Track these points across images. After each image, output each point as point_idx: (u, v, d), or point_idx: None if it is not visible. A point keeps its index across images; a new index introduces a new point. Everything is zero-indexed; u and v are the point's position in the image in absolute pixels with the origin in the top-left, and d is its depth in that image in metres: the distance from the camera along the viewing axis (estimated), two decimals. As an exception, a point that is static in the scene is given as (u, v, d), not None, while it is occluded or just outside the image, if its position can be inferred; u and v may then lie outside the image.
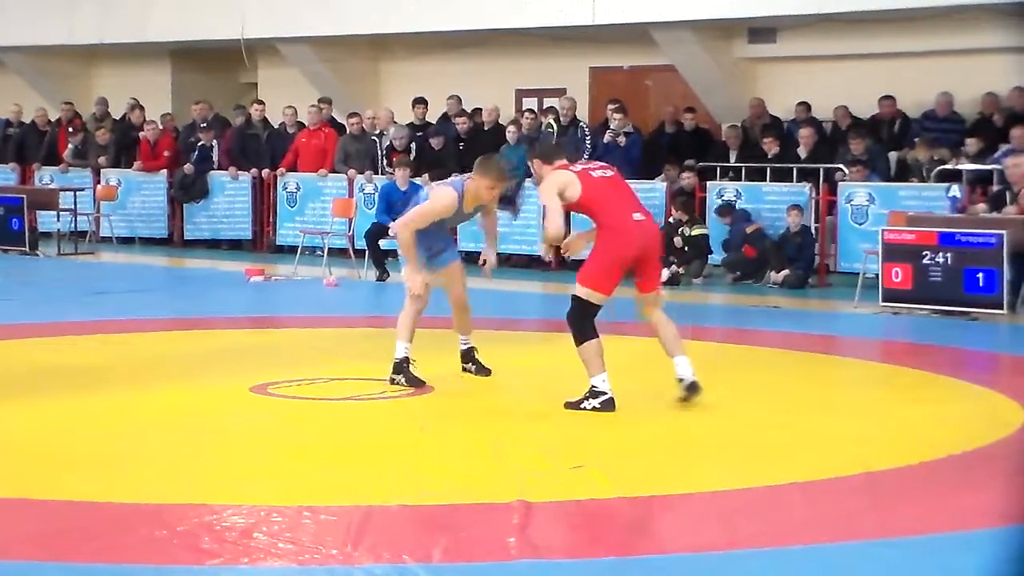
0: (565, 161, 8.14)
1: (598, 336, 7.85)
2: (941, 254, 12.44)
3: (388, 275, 15.27)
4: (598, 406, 7.77)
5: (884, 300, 12.79)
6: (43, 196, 19.03)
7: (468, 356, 9.02)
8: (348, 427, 7.47)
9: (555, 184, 7.88)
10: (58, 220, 18.63)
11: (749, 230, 15.17)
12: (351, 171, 17.91)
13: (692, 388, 7.96)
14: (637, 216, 7.90)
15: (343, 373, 8.76)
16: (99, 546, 5.26)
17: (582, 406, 7.78)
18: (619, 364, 9.97)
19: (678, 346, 8.04)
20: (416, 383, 8.48)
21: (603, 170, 8.08)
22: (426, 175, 16.98)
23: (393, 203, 15.85)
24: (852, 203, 15.03)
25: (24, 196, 18.53)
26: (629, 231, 7.81)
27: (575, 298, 7.86)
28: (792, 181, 15.69)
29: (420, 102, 18.44)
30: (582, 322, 7.82)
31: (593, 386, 7.82)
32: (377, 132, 18.13)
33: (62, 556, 5.16)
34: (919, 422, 7.83)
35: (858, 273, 13.85)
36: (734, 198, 15.65)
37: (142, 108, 20.52)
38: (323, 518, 5.61)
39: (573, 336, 7.89)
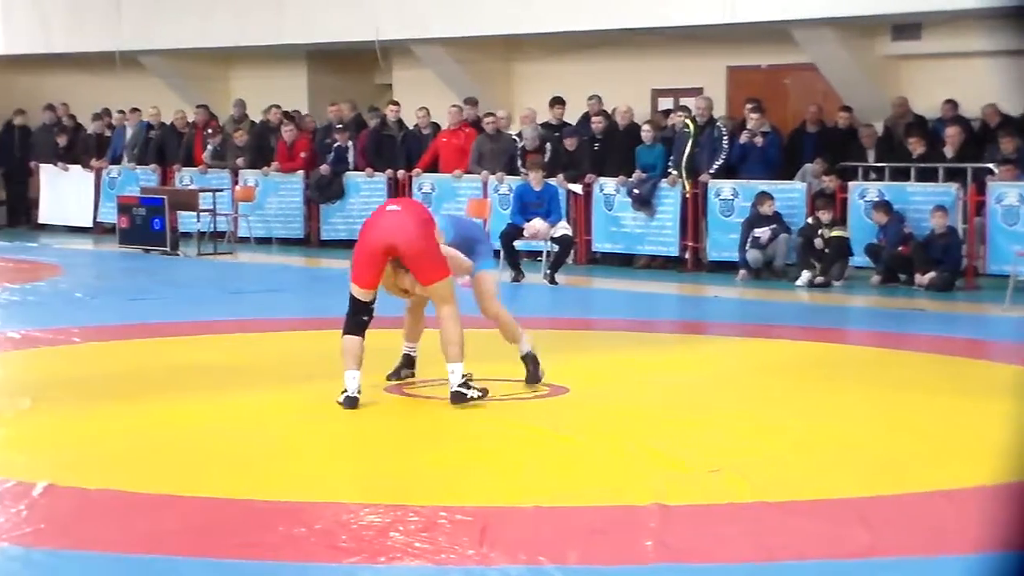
0: None
1: (359, 335, 7.84)
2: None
3: (523, 276, 15.22)
4: (341, 401, 7.72)
5: (1035, 303, 12.42)
6: (183, 197, 19.33)
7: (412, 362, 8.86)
8: (482, 427, 7.43)
9: None
10: (198, 220, 18.93)
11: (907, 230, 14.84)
12: (483, 172, 17.90)
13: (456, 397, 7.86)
14: (391, 207, 8.04)
15: (478, 374, 8.73)
16: (240, 543, 5.30)
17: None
18: (764, 366, 9.85)
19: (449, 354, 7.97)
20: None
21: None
22: (560, 175, 16.94)
23: (527, 204, 15.84)
24: (1002, 204, 14.61)
25: (165, 197, 18.86)
26: (371, 221, 7.93)
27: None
28: (938, 181, 15.32)
29: (558, 102, 18.29)
30: (348, 317, 7.88)
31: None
32: (517, 132, 18.10)
33: (205, 552, 5.22)
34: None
35: (1008, 275, 13.47)
36: (877, 199, 15.32)
37: (278, 106, 20.75)
38: (459, 518, 5.58)
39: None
